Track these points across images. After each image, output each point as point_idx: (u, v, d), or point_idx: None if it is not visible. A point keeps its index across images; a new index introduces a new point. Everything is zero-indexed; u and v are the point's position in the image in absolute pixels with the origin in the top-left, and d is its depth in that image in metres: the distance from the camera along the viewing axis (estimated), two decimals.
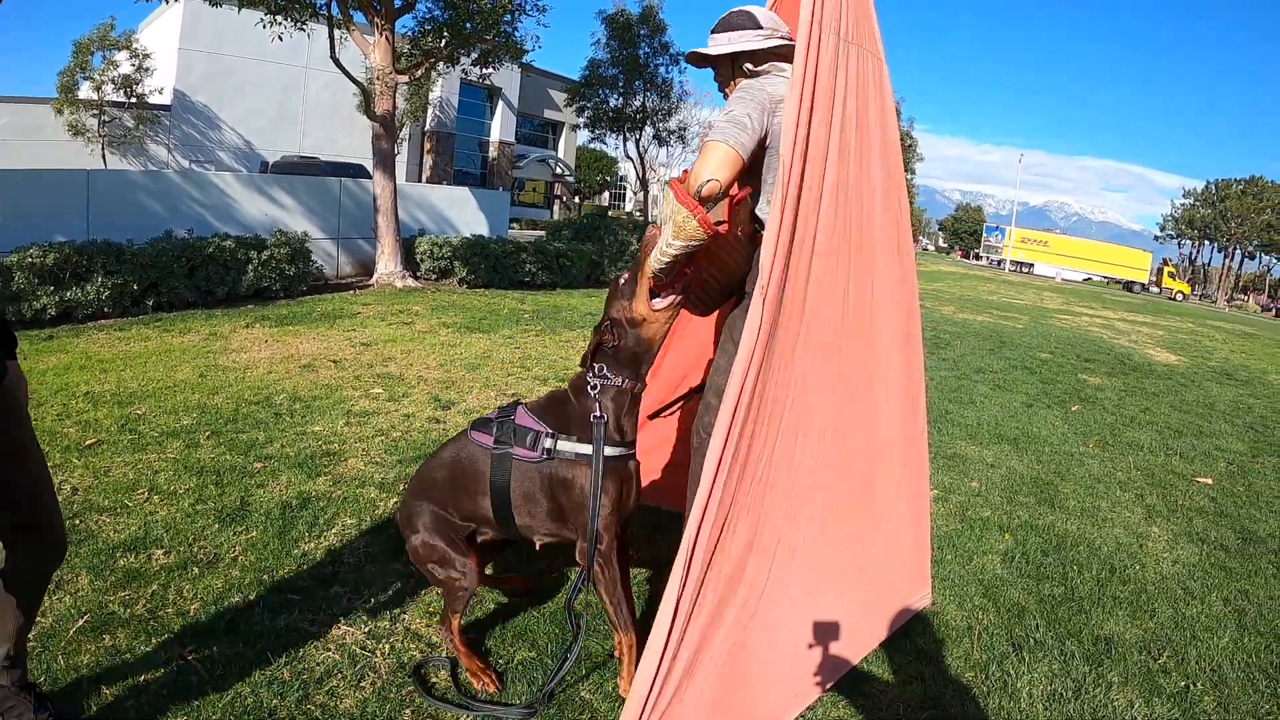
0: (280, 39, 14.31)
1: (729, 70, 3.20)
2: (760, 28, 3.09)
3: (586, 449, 2.92)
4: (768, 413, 2.75)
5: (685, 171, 2.92)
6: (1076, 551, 4.65)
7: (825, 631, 3.03)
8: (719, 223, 2.86)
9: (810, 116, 2.75)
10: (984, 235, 72.48)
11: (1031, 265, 65.64)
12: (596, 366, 2.99)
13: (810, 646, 2.98)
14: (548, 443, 2.95)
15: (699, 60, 3.26)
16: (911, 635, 3.53)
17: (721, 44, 3.13)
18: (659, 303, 2.92)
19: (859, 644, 3.28)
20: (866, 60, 3.08)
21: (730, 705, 2.75)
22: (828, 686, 3.07)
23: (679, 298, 2.95)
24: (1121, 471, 6.47)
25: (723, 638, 2.70)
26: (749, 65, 3.12)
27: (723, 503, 2.62)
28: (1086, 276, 63.37)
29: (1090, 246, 67.29)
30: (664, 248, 2.78)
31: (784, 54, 3.10)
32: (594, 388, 2.96)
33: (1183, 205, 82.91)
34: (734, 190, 2.91)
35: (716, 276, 3.28)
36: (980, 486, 5.70)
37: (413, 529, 3.13)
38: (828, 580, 3.08)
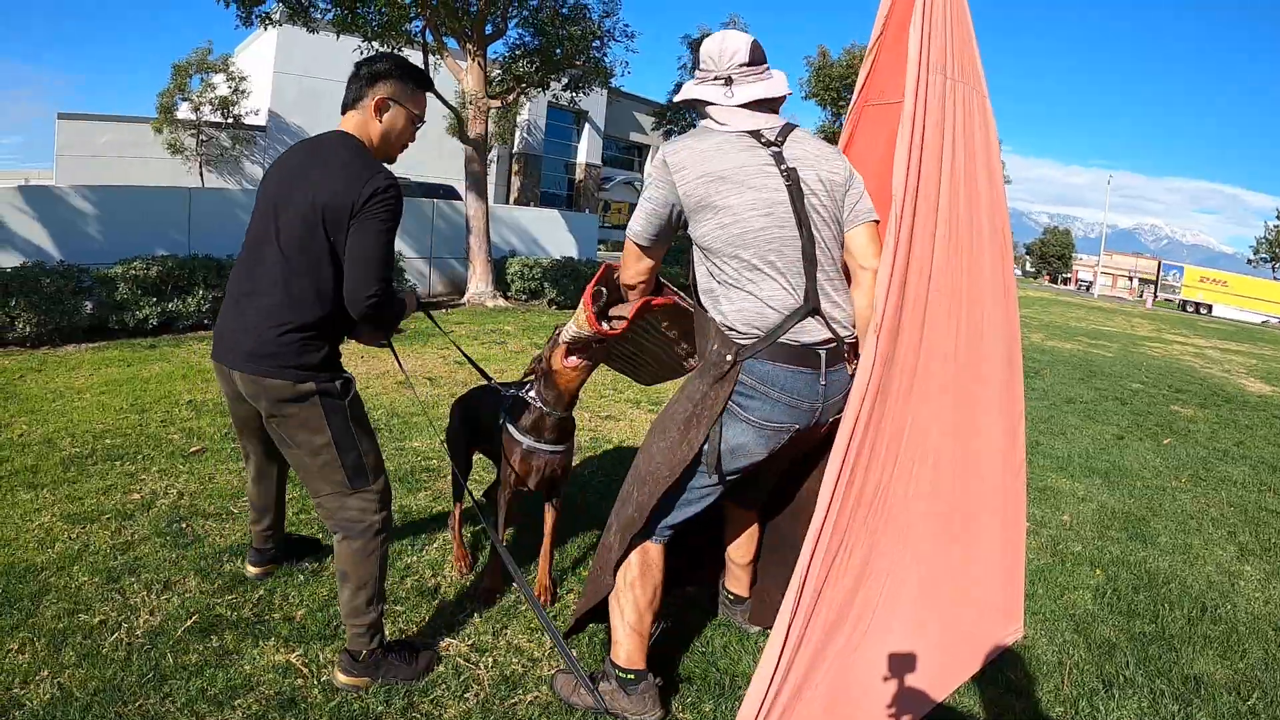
0: None
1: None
2: (699, 66, 3.04)
3: (516, 435, 3.80)
4: (885, 443, 2.79)
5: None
6: (1168, 589, 4.60)
7: (922, 662, 3.05)
8: (619, 318, 3.25)
9: (921, 156, 2.81)
10: (1161, 274, 67.42)
11: (1210, 307, 58.63)
12: (533, 387, 3.83)
13: (907, 676, 3.00)
14: (503, 419, 3.88)
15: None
16: (1003, 668, 3.54)
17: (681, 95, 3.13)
18: (570, 361, 3.58)
19: (953, 675, 3.30)
20: (971, 96, 3.13)
21: None
22: (922, 716, 3.10)
23: (586, 364, 3.61)
24: (1214, 508, 6.35)
25: (827, 666, 2.74)
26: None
27: (836, 531, 2.67)
28: (1264, 319, 55.76)
29: (1271, 287, 59.40)
30: (570, 327, 3.40)
31: (714, 96, 2.98)
32: (524, 398, 3.85)
33: (1276, 226, 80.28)
34: (651, 294, 3.21)
35: (636, 354, 3.71)
36: (1072, 520, 5.66)
37: (451, 419, 4.50)
38: (928, 611, 3.11)
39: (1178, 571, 4.89)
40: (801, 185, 2.82)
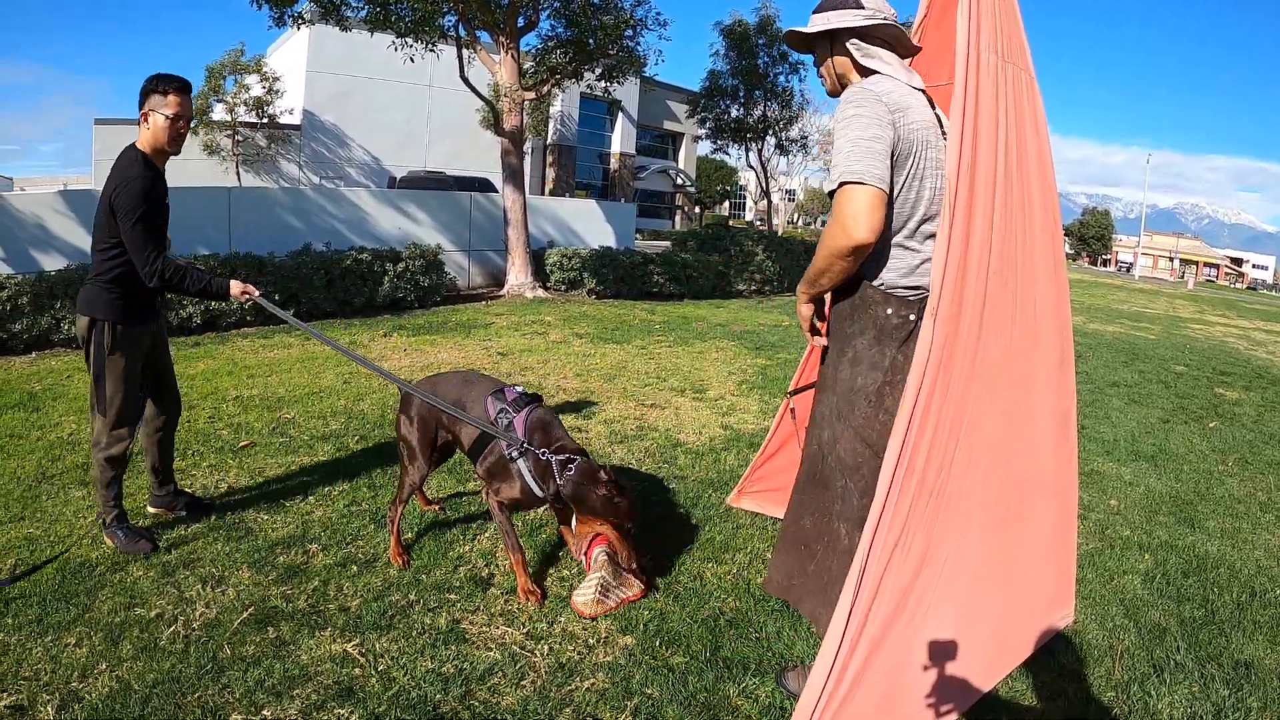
0: (411, 60, 14.75)
1: (827, 51, 3.03)
2: (863, 7, 2.90)
3: (528, 478, 3.74)
4: (946, 430, 2.79)
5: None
6: (1217, 573, 4.57)
7: (976, 647, 3.06)
8: None
9: (976, 137, 2.79)
10: None
11: None
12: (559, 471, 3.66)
13: (962, 661, 3.00)
14: (514, 453, 3.75)
15: (797, 41, 3.13)
16: (1055, 652, 3.54)
17: (819, 23, 2.98)
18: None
19: (1006, 660, 3.31)
20: (1020, 77, 3.13)
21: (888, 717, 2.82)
22: (976, 701, 3.11)
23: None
24: (1262, 492, 6.29)
25: (887, 652, 2.75)
26: (857, 43, 2.92)
27: (896, 518, 2.69)
28: None
29: None
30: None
31: (887, 38, 2.95)
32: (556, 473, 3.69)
33: None
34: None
35: None
36: (1119, 505, 5.62)
37: (406, 414, 4.17)
38: (982, 596, 3.12)
39: (1226, 556, 4.86)
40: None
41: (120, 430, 4.09)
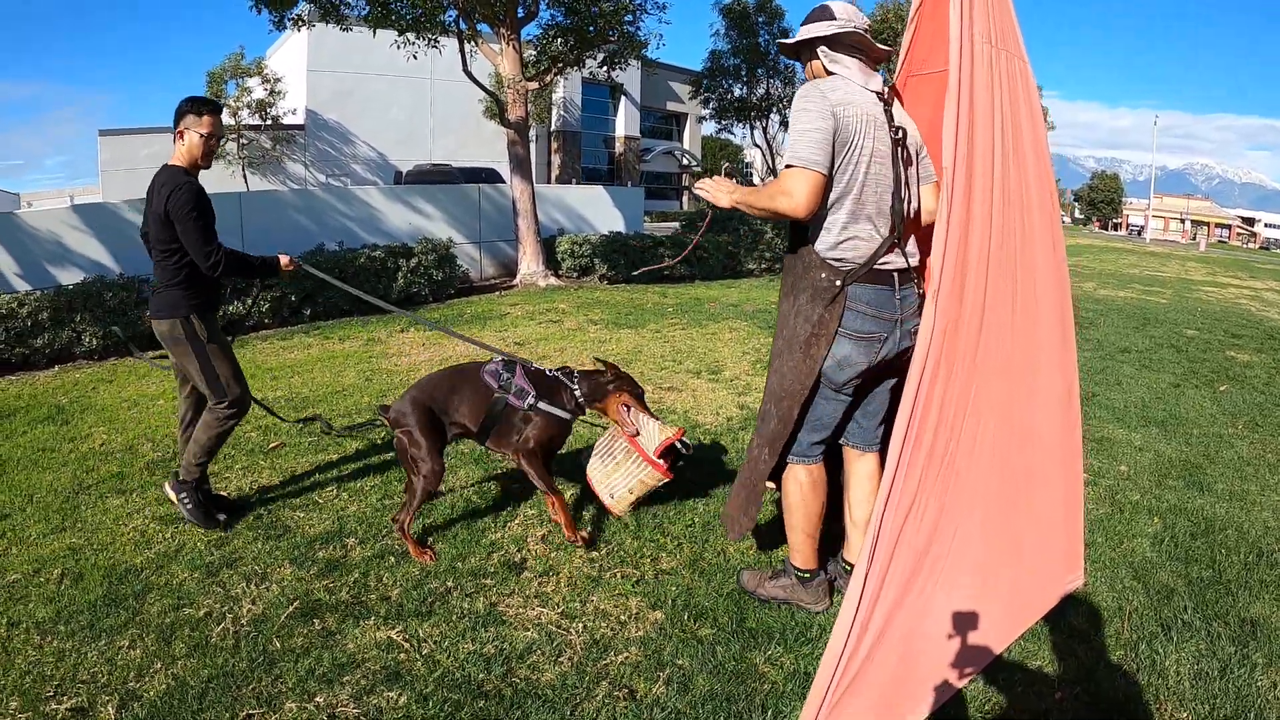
0: (415, 57, 14.82)
1: (808, 56, 3.45)
2: (834, 18, 3.32)
3: (553, 409, 4.32)
4: (952, 408, 2.94)
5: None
6: (1225, 535, 4.65)
7: (989, 611, 3.16)
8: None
9: (972, 125, 2.93)
10: None
11: None
12: (577, 384, 4.42)
13: (976, 624, 3.12)
14: (530, 400, 4.27)
15: (785, 50, 3.60)
16: (1065, 615, 3.65)
17: (800, 34, 3.41)
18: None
19: (1018, 622, 3.41)
20: (1013, 62, 3.23)
21: (902, 683, 2.90)
22: (988, 663, 3.21)
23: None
24: (1271, 454, 6.36)
25: (904, 616, 2.87)
26: (824, 50, 3.35)
27: (907, 486, 2.82)
28: None
29: None
30: (626, 488, 4.20)
31: (856, 44, 3.34)
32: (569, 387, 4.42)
33: None
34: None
35: None
36: (1129, 470, 5.71)
37: (404, 426, 4.23)
38: (994, 563, 3.22)
39: (1234, 517, 4.94)
40: (907, 142, 3.31)
41: (241, 405, 4.55)
